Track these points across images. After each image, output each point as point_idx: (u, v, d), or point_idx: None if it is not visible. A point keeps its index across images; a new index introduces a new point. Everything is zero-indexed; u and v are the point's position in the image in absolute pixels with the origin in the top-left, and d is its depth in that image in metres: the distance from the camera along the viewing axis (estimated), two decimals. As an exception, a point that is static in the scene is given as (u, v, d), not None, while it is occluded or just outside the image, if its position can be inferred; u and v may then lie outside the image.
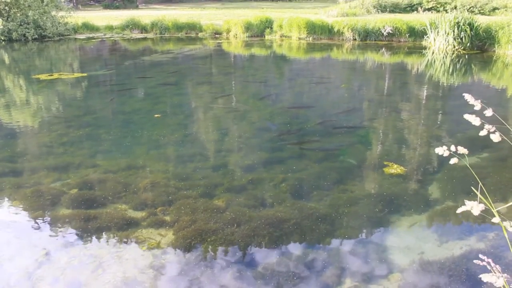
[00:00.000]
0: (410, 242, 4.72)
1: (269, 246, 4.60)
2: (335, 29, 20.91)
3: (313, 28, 21.17)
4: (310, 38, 21.19)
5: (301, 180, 6.10)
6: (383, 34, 20.19)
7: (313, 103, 10.50)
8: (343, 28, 20.74)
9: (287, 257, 4.43)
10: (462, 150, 1.90)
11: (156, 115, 9.22)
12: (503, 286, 1.91)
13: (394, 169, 6.38)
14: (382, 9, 26.18)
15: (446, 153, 1.90)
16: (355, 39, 20.57)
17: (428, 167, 6.66)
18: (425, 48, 18.36)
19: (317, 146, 7.38)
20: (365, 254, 4.50)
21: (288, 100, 10.92)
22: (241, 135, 8.06)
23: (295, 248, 4.59)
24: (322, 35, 21.20)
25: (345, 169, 6.53)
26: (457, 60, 16.12)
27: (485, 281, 1.81)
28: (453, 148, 1.91)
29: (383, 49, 18.71)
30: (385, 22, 20.34)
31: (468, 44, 17.32)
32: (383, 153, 7.14)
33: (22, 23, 21.65)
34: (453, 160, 1.94)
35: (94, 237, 4.82)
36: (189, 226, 4.89)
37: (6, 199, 5.73)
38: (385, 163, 6.62)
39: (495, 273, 1.80)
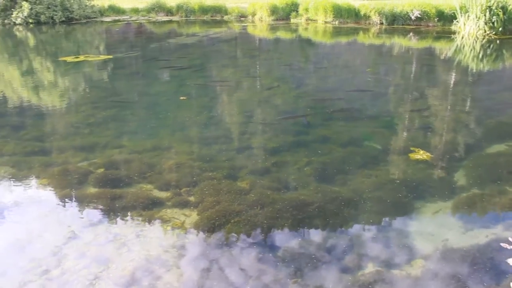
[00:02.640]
0: (434, 229, 4.66)
1: (292, 229, 4.60)
2: (362, 13, 20.59)
3: (339, 12, 20.88)
4: (336, 22, 20.93)
5: (325, 164, 6.08)
6: (411, 18, 19.78)
7: (338, 87, 10.41)
8: (370, 11, 20.39)
9: (310, 241, 4.43)
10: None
11: (182, 97, 9.27)
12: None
13: (420, 155, 6.29)
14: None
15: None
16: (382, 23, 20.22)
17: (455, 154, 6.55)
18: (454, 33, 17.92)
19: (342, 130, 7.33)
20: (388, 239, 4.47)
21: (313, 84, 10.86)
22: (266, 118, 8.05)
23: (317, 232, 4.59)
24: (349, 18, 20.91)
25: (369, 154, 6.47)
26: (487, 45, 15.70)
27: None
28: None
29: (411, 33, 18.35)
30: (413, 5, 19.90)
31: (500, 29, 16.81)
32: (408, 139, 7.04)
33: (50, 6, 21.91)
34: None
35: (119, 216, 4.89)
36: (213, 207, 4.93)
37: (35, 177, 5.86)
38: (411, 148, 6.53)
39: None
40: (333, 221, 4.77)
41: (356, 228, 4.67)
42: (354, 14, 20.77)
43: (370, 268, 4.02)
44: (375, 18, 20.33)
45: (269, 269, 4.01)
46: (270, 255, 4.20)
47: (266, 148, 6.62)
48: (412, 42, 16.87)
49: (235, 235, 4.50)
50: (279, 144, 6.76)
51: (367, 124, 7.68)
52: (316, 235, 4.53)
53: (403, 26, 19.85)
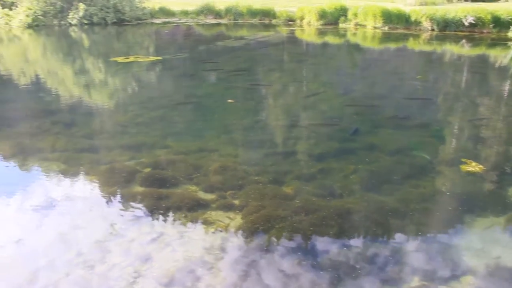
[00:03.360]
0: (484, 245, 4.48)
1: (336, 237, 4.53)
2: (412, 19, 20.12)
3: (389, 17, 20.48)
4: (386, 28, 20.55)
5: (372, 172, 5.95)
6: (464, 24, 19.16)
7: (386, 94, 10.21)
8: (421, 17, 19.91)
9: (353, 250, 4.35)
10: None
11: (229, 100, 9.32)
12: None
13: (472, 167, 6.06)
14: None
15: None
16: (433, 29, 19.68)
17: (509, 167, 6.28)
18: (511, 39, 17.26)
19: (390, 138, 7.17)
20: (435, 253, 4.33)
21: (360, 90, 10.68)
22: (312, 123, 7.98)
23: (362, 241, 4.49)
24: (399, 24, 20.47)
25: (418, 163, 6.29)
26: (546, 53, 15.03)
27: None
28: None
29: (464, 40, 17.79)
30: (467, 11, 19.29)
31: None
32: (459, 149, 6.81)
33: (103, 7, 22.61)
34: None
35: (164, 216, 4.96)
36: (258, 212, 4.92)
37: (84, 173, 6.03)
38: (463, 160, 6.31)
39: None
40: (379, 231, 4.67)
41: (402, 239, 4.55)
42: (404, 20, 20.31)
43: (415, 282, 3.91)
44: (426, 24, 19.82)
45: (310, 276, 3.96)
46: (313, 262, 4.15)
47: (311, 154, 6.56)
48: (465, 49, 16.37)
49: (279, 240, 4.47)
50: (325, 150, 6.68)
51: (416, 133, 7.49)
52: (360, 245, 4.44)
53: (455, 32, 19.26)
